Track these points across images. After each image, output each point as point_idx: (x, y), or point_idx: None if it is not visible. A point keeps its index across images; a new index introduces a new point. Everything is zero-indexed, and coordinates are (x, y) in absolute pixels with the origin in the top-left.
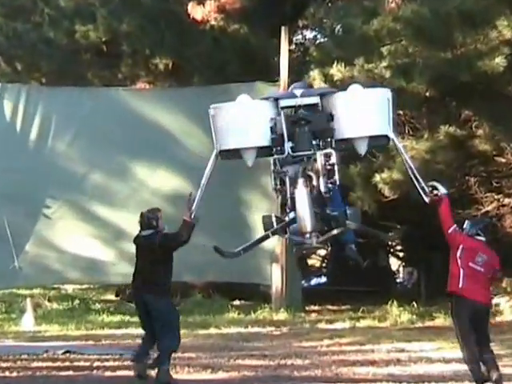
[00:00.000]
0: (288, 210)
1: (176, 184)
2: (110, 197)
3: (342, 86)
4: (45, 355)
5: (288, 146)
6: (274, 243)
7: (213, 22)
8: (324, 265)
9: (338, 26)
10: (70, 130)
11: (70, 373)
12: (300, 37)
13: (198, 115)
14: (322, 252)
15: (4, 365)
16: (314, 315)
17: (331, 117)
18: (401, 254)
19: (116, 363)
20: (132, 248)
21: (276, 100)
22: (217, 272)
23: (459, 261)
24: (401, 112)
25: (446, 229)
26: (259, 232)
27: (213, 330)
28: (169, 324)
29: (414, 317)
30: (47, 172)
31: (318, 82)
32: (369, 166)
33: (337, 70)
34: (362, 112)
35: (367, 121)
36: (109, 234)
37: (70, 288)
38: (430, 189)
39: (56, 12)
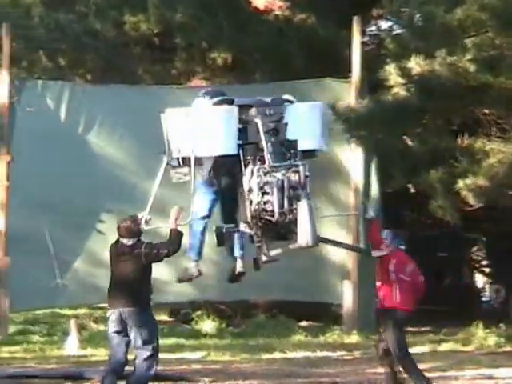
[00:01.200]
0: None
1: None
2: (165, 207)
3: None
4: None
5: (268, 156)
6: (345, 258)
7: (277, 12)
8: None
9: (417, 15)
10: (117, 132)
11: None
12: (374, 27)
13: None
14: None
15: None
16: None
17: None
18: (487, 270)
19: None
20: (189, 265)
21: (240, 106)
22: (282, 290)
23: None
24: (487, 111)
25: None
26: (329, 246)
27: (277, 355)
28: (151, 339)
29: (502, 340)
30: (94, 179)
31: (395, 77)
32: (451, 171)
33: (415, 63)
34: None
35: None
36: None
37: None
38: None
39: (103, 1)
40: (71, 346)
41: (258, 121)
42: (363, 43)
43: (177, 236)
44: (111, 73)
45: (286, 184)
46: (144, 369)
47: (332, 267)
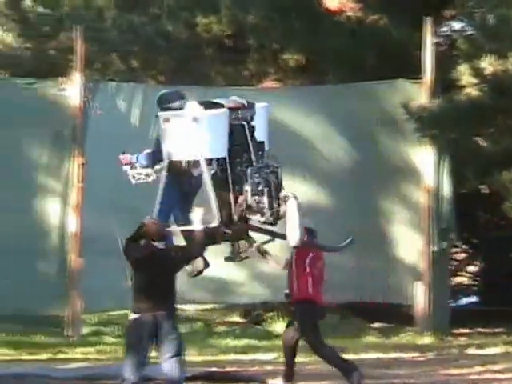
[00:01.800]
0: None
1: (312, 195)
2: None
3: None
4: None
5: (254, 157)
6: (418, 260)
7: (349, 13)
8: (474, 282)
9: (490, 17)
10: None
11: None
12: (446, 28)
13: (334, 116)
14: (472, 268)
15: None
16: (463, 339)
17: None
18: None
19: None
20: (265, 267)
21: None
22: (353, 291)
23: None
24: None
25: None
26: (401, 246)
27: (349, 356)
28: (180, 343)
29: None
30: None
31: (467, 77)
32: None
33: (488, 64)
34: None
35: None
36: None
37: (191, 309)
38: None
39: (175, 3)
40: None
41: (245, 123)
42: (435, 44)
43: (201, 238)
44: (183, 74)
45: (272, 184)
46: (178, 372)
47: (404, 268)
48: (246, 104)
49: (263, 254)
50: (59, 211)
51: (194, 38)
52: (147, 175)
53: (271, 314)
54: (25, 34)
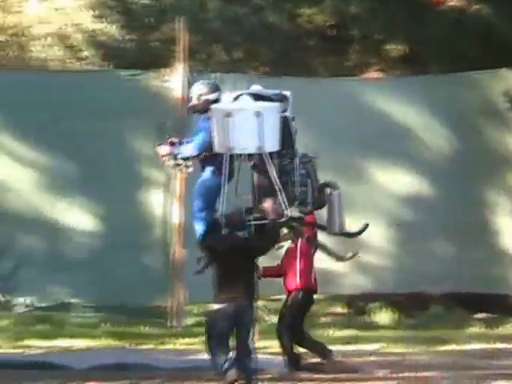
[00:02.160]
0: None
1: (414, 185)
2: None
3: None
4: (266, 375)
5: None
6: None
7: (451, 2)
8: None
9: None
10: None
11: None
12: None
13: (436, 106)
14: None
15: None
16: None
17: None
18: None
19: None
20: (368, 258)
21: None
22: (456, 281)
23: None
24: None
25: None
26: (506, 237)
27: (453, 346)
28: (250, 334)
29: None
30: None
31: None
32: None
33: None
34: None
35: None
36: (342, 242)
37: None
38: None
39: None
40: None
41: (289, 115)
42: None
43: (276, 228)
44: (286, 65)
45: (312, 175)
46: (254, 360)
47: (507, 258)
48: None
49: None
50: (162, 202)
51: (297, 29)
52: (186, 166)
53: (374, 304)
54: (128, 25)
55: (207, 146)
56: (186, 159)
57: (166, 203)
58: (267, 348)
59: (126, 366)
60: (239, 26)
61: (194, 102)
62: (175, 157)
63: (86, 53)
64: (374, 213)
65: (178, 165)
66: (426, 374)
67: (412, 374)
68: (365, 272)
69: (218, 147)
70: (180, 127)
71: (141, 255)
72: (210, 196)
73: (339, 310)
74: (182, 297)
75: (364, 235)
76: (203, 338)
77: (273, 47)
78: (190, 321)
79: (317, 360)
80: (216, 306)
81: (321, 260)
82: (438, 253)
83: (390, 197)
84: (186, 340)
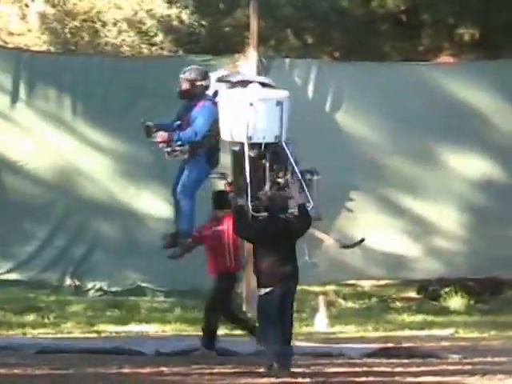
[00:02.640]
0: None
1: (487, 170)
2: (414, 186)
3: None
4: (340, 360)
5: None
6: None
7: None
8: None
9: None
10: (365, 109)
11: (370, 379)
12: None
13: (508, 90)
14: None
15: (297, 370)
16: None
17: None
18: None
19: (420, 368)
20: (441, 242)
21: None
22: None
23: None
24: None
25: None
26: None
27: None
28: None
29: None
30: (341, 156)
31: None
32: None
33: None
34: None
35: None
36: (415, 227)
37: (366, 285)
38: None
39: None
40: (320, 323)
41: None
42: None
43: (306, 211)
44: (358, 50)
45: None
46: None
47: None
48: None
49: None
50: None
51: (369, 14)
52: (182, 152)
53: (447, 289)
54: (200, 10)
55: (206, 132)
56: (182, 145)
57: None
58: (341, 333)
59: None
60: (311, 11)
61: (187, 87)
62: (174, 143)
63: (157, 38)
64: (448, 197)
65: (173, 151)
66: (498, 359)
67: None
68: (438, 257)
69: (232, 135)
70: None
71: None
72: (200, 183)
73: (412, 294)
74: (255, 283)
75: (437, 220)
76: None
77: (345, 32)
78: None
79: None
80: (263, 291)
81: (394, 245)
82: (511, 237)
83: (463, 181)
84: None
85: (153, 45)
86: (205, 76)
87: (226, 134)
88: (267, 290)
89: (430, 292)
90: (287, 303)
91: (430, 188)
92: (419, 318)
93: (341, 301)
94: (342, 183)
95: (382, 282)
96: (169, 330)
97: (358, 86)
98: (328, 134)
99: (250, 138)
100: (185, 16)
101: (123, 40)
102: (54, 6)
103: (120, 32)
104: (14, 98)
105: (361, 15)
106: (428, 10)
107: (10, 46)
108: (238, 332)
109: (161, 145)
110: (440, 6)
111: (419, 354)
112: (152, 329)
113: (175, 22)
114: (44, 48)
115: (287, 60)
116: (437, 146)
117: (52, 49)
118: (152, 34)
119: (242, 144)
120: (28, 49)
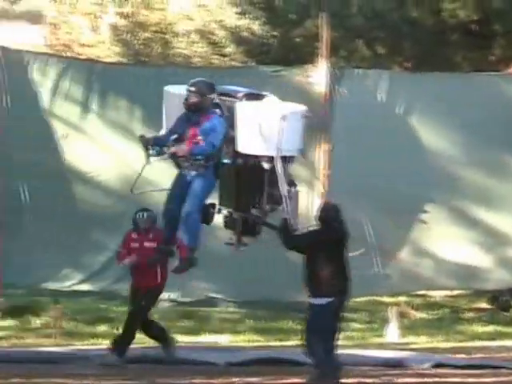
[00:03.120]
0: None
1: None
2: (487, 197)
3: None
4: (410, 370)
5: None
6: None
7: None
8: None
9: None
10: (435, 120)
11: None
12: None
13: None
14: None
15: (368, 380)
16: None
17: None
18: None
19: (491, 379)
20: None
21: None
22: None
23: None
24: None
25: None
26: None
27: None
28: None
29: None
30: (414, 167)
31: None
32: None
33: None
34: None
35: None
36: (487, 238)
37: (437, 295)
38: None
39: None
40: (392, 334)
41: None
42: None
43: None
44: (429, 60)
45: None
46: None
47: None
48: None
49: None
50: (306, 198)
51: (440, 24)
52: (199, 165)
53: None
54: (271, 21)
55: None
56: (198, 159)
57: (308, 199)
58: (412, 343)
59: (269, 362)
60: (382, 21)
61: (196, 100)
62: (193, 156)
63: (229, 49)
64: None
65: (192, 165)
66: None
67: None
68: (510, 268)
69: (256, 148)
70: (323, 122)
71: (282, 251)
72: (208, 196)
73: (483, 305)
74: None
75: (510, 230)
76: (347, 334)
77: (416, 42)
78: None
79: None
80: (319, 301)
81: (466, 255)
82: None
83: None
84: None
85: (224, 56)
86: (213, 89)
87: (246, 147)
88: (326, 300)
89: (501, 302)
90: (340, 314)
91: (503, 199)
92: (490, 328)
93: (412, 311)
94: (417, 195)
95: (454, 293)
96: (240, 340)
97: (428, 97)
98: (399, 146)
99: (279, 151)
100: (256, 27)
101: (194, 51)
102: (125, 17)
103: (191, 43)
104: (86, 109)
105: (432, 25)
106: (500, 19)
107: (82, 57)
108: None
109: (180, 158)
110: (510, 16)
111: (489, 365)
112: (223, 339)
113: (246, 33)
114: (115, 59)
115: (358, 70)
116: (510, 157)
117: (123, 60)
118: (223, 44)
119: (235, 157)
120: (100, 60)
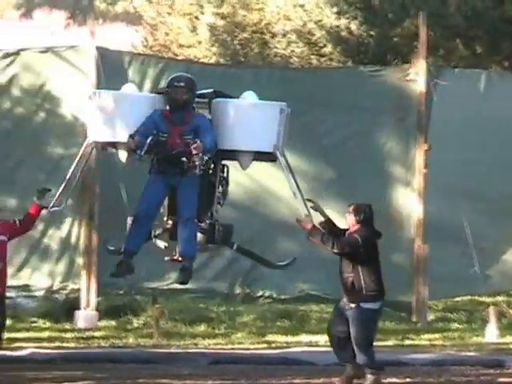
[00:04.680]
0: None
1: None
2: None
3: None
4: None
5: None
6: None
7: None
8: None
9: None
10: None
11: None
12: None
13: None
14: None
15: (466, 379)
16: None
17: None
18: None
19: None
20: None
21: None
22: None
23: None
24: None
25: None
26: None
27: None
28: None
29: None
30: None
31: None
32: None
33: None
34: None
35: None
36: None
37: None
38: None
39: None
40: (491, 334)
41: None
42: None
43: None
44: None
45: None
46: None
47: None
48: None
49: None
50: (404, 198)
51: None
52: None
53: None
54: (369, 21)
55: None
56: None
57: (406, 198)
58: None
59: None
60: (480, 20)
61: (187, 96)
62: (203, 154)
63: (327, 49)
64: None
65: (188, 167)
66: None
67: None
68: None
69: (249, 144)
70: (421, 122)
71: (386, 250)
72: None
73: None
74: (425, 292)
75: None
76: (446, 334)
77: None
78: (432, 316)
79: None
80: (370, 305)
81: None
82: None
83: None
84: (429, 336)
85: (322, 56)
86: (196, 84)
87: (237, 144)
88: (378, 304)
89: None
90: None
91: None
92: None
93: (511, 311)
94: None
95: None
96: None
97: None
98: (497, 145)
99: (276, 147)
100: (354, 27)
101: (292, 51)
102: (223, 18)
103: (289, 43)
104: None
105: None
106: None
107: (180, 57)
108: None
109: (195, 157)
110: None
111: None
112: (322, 339)
113: (344, 33)
114: (213, 60)
115: (456, 70)
116: None
117: (221, 60)
118: (321, 44)
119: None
120: (197, 61)
